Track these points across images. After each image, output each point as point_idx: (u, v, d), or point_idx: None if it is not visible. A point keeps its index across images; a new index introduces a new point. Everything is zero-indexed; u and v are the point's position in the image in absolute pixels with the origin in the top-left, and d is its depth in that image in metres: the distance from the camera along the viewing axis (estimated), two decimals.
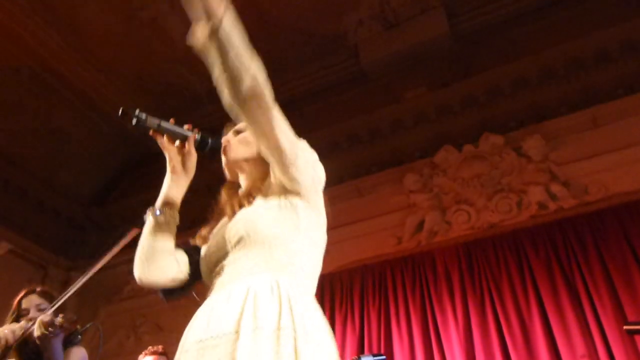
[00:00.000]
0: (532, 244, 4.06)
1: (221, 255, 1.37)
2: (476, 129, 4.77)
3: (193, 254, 1.50)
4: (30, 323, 2.28)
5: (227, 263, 1.35)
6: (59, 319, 2.20)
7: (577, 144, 4.34)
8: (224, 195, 1.61)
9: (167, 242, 1.44)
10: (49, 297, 2.53)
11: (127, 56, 5.29)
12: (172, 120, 1.47)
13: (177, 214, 1.47)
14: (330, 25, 5.21)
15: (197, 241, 1.55)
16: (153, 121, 1.42)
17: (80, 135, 5.98)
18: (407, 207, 4.76)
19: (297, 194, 1.37)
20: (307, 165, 1.39)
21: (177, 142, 1.46)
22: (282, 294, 1.22)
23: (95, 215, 6.38)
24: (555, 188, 4.24)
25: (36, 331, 2.19)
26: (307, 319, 1.21)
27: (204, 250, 1.47)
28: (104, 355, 2.82)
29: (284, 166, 1.34)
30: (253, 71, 1.25)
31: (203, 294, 1.41)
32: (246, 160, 1.53)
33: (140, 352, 3.43)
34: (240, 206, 1.43)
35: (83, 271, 2.38)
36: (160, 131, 1.44)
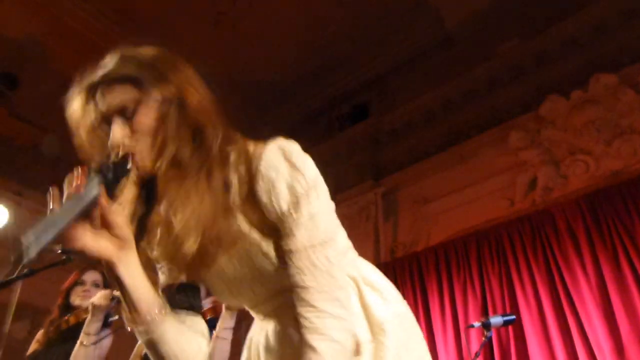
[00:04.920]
0: None
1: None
2: (583, 72, 4.39)
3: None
4: None
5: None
6: None
7: None
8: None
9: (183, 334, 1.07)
10: None
11: (216, 61, 5.49)
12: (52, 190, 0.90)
13: (166, 302, 1.03)
14: None
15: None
16: (45, 235, 0.83)
17: None
18: (515, 166, 4.53)
19: None
20: None
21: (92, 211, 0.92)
22: None
23: None
24: None
25: None
26: None
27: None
28: None
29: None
30: None
31: None
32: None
33: None
34: None
35: None
36: (65, 228, 0.87)
